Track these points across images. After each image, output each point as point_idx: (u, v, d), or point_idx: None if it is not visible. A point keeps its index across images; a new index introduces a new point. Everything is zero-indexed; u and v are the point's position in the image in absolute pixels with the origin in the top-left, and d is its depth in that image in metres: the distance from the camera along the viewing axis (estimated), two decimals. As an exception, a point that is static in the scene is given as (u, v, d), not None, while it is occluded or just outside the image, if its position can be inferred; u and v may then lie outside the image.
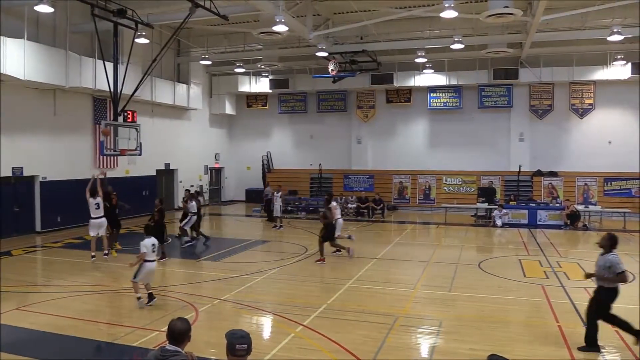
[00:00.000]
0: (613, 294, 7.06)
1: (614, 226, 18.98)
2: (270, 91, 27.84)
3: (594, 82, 23.74)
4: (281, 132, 29.36)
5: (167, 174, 24.89)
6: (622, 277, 6.93)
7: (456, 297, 10.04)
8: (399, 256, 14.60)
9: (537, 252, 14.74)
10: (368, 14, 19.21)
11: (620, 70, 22.41)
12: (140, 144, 16.52)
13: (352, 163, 27.65)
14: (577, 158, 24.08)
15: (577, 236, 18.21)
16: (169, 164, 24.68)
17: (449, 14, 14.89)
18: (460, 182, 25.39)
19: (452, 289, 10.60)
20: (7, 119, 16.16)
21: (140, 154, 16.94)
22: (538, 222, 20.21)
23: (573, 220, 19.57)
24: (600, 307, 7.14)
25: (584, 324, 7.58)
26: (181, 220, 16.10)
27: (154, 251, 9.42)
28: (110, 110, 19.31)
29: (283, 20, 15.59)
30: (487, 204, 21.60)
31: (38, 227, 17.74)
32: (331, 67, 21.39)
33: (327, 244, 13.53)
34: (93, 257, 13.06)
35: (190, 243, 15.76)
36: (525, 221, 20.38)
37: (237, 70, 25.09)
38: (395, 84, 25.48)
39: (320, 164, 27.34)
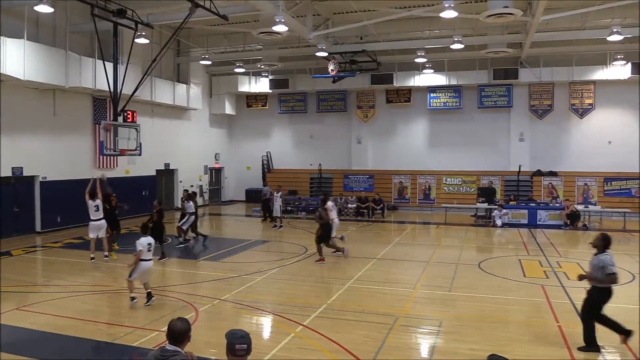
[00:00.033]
0: (606, 293, 7.07)
1: (613, 226, 19.00)
2: (270, 91, 27.84)
3: (593, 82, 23.74)
4: (281, 132, 29.36)
5: (167, 174, 24.89)
6: (612, 278, 6.97)
7: (456, 297, 10.04)
8: (399, 256, 14.60)
9: (537, 252, 14.73)
10: (368, 14, 19.20)
11: (620, 70, 22.42)
12: (140, 144, 16.54)
13: (352, 163, 27.64)
14: (577, 158, 24.08)
15: (577, 236, 18.19)
16: (169, 164, 24.68)
17: (449, 14, 14.90)
18: (460, 182, 25.39)
19: (452, 289, 10.60)
20: (7, 119, 16.17)
21: (140, 154, 16.96)
22: (538, 222, 20.20)
23: (573, 220, 19.57)
24: (592, 306, 7.16)
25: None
26: (180, 221, 16.20)
27: (149, 250, 9.40)
28: (110, 110, 19.31)
29: (283, 20, 15.60)
30: (487, 204, 21.59)
31: (38, 227, 17.75)
32: (331, 67, 21.37)
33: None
34: (92, 258, 13.06)
35: (184, 244, 15.75)
36: (525, 221, 20.37)
37: (237, 70, 25.09)
38: (395, 84, 25.47)
39: (320, 164, 27.33)
